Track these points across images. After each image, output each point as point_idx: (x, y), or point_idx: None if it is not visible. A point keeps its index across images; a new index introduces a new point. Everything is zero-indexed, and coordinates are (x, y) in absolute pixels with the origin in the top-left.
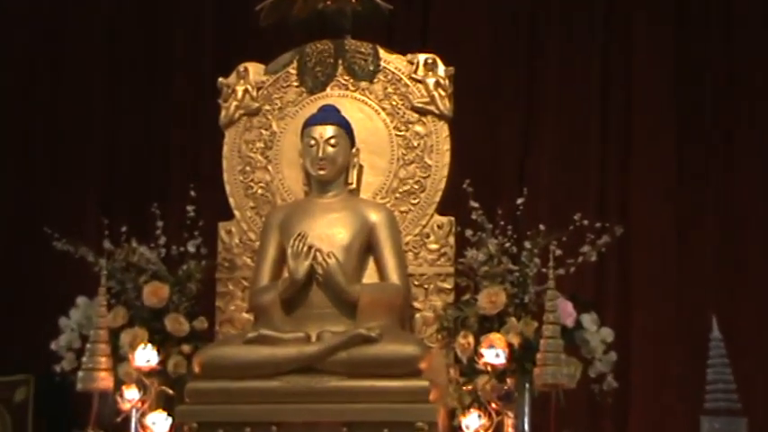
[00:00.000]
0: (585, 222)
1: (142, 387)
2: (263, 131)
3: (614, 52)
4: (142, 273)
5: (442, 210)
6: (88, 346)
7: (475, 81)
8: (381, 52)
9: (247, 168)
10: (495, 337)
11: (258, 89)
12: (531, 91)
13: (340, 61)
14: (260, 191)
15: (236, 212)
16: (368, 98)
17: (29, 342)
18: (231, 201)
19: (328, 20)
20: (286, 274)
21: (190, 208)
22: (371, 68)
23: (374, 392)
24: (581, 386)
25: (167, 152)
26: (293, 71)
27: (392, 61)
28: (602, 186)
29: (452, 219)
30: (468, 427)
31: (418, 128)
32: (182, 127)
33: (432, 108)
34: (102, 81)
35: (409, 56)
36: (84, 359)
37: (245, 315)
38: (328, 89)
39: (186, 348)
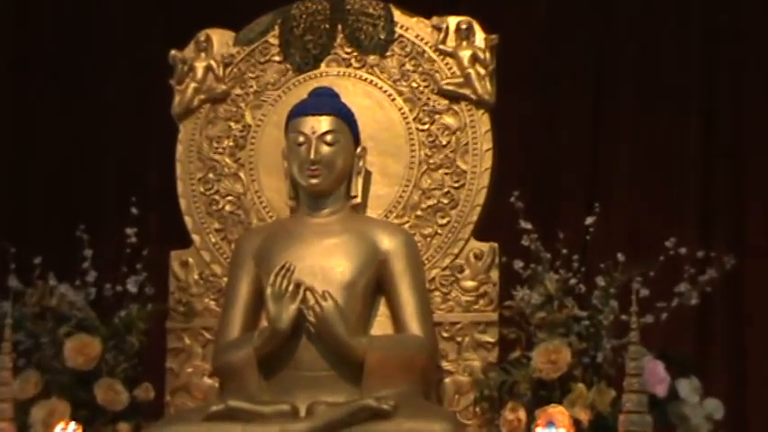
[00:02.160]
0: (682, 251)
1: None
2: (233, 124)
3: (719, 11)
4: (63, 322)
5: (481, 233)
6: None
7: (527, 54)
8: (397, 14)
9: (211, 176)
10: (555, 410)
11: (226, 66)
12: (602, 67)
13: (339, 27)
14: (228, 207)
15: (195, 237)
16: (378, 78)
17: None
18: (188, 221)
19: None
20: (265, 323)
21: (130, 231)
22: (383, 37)
23: None
24: None
25: (99, 154)
26: (274, 41)
27: (412, 27)
28: (704, 201)
29: (495, 245)
30: None
31: (448, 119)
32: (118, 119)
33: (467, 92)
34: (9, 54)
35: (435, 19)
36: None
37: (208, 380)
38: (323, 66)
39: (124, 428)
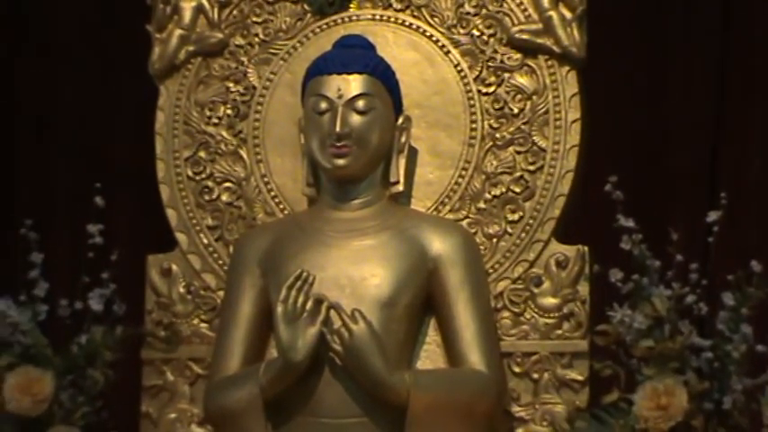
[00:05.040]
0: None
1: None
2: (232, 86)
3: None
4: (3, 350)
5: (565, 233)
6: None
7: None
8: None
9: (202, 155)
10: None
11: (222, 7)
12: (730, 18)
13: None
14: (225, 196)
15: (181, 237)
16: (427, 24)
17: None
18: (171, 215)
19: None
20: (274, 353)
21: (93, 229)
22: None
23: None
24: None
25: (49, 124)
26: None
27: None
28: None
29: (585, 250)
30: None
31: (521, 79)
32: (77, 76)
33: (547, 42)
34: None
35: None
36: None
37: (197, 429)
38: (353, 6)
39: None
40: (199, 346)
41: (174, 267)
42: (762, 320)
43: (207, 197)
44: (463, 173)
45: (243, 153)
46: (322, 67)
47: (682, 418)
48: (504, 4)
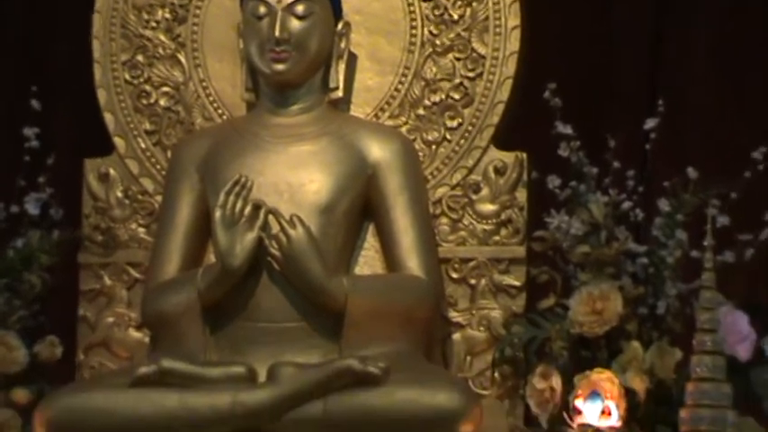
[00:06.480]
0: None
1: None
2: None
3: None
4: None
5: (504, 140)
6: None
7: None
8: None
9: (140, 58)
10: (601, 377)
11: None
12: None
13: None
14: (163, 101)
15: (119, 141)
16: None
17: None
18: (109, 119)
19: None
20: (212, 258)
21: (29, 132)
22: None
23: None
24: None
25: None
26: None
27: None
28: None
29: (524, 156)
30: None
31: None
32: None
33: None
34: None
35: None
36: None
37: (134, 333)
38: None
39: (21, 395)
40: (136, 250)
41: (112, 172)
42: (696, 227)
43: (145, 101)
44: (403, 79)
45: (181, 57)
46: None
47: (616, 323)
48: None
